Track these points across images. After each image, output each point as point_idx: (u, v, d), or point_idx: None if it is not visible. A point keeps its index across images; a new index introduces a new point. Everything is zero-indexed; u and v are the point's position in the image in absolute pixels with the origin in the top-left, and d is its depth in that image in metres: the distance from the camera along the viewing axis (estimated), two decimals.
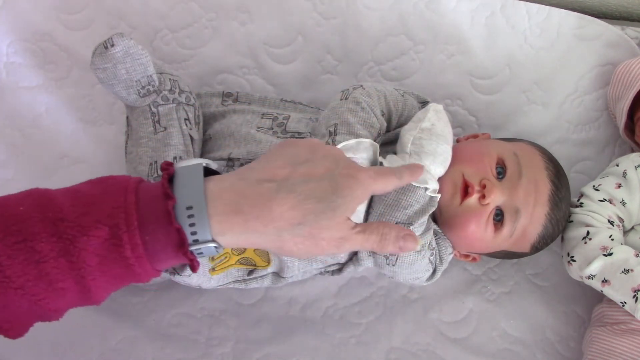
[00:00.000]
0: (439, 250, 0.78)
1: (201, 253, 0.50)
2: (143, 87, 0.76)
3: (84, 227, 0.47)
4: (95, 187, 0.50)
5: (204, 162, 0.52)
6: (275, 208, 0.49)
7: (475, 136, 0.85)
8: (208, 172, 0.53)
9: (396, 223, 0.71)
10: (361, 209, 0.72)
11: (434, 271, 0.79)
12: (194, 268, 0.51)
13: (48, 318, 0.51)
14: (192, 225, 0.48)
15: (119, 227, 0.47)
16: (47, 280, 0.47)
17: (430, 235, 0.75)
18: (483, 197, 0.73)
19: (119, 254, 0.47)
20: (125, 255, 0.47)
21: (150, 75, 0.76)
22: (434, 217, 0.78)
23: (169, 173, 0.50)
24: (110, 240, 0.47)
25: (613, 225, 0.78)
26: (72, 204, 0.48)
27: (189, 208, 0.49)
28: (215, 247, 0.50)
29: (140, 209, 0.48)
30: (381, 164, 0.73)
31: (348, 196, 0.51)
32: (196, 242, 0.49)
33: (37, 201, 0.48)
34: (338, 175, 0.52)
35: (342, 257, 0.79)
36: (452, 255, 0.81)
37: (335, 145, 0.71)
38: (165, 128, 0.76)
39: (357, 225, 0.53)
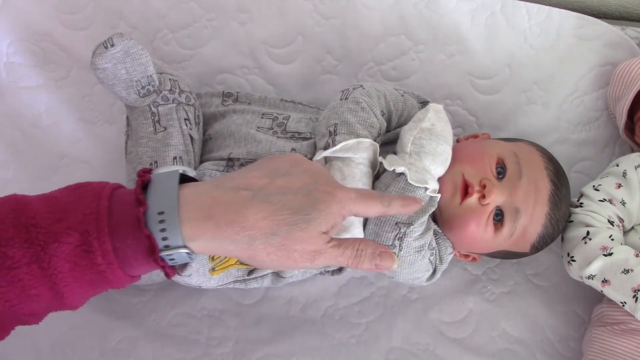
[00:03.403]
0: (439, 250, 0.78)
1: (173, 259, 0.50)
2: (143, 87, 0.76)
3: (55, 234, 0.47)
4: (72, 193, 0.50)
5: (180, 169, 0.52)
6: (249, 216, 0.49)
7: (475, 136, 0.85)
8: (186, 179, 0.53)
9: (396, 223, 0.71)
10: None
11: (434, 271, 0.79)
12: (167, 275, 0.51)
13: (26, 322, 0.51)
14: (163, 230, 0.48)
15: (89, 234, 0.47)
16: (20, 286, 0.47)
17: (430, 235, 0.75)
18: (483, 197, 0.73)
19: (90, 261, 0.47)
20: (96, 262, 0.47)
21: (150, 75, 0.76)
22: (434, 217, 0.78)
23: (143, 180, 0.50)
24: (81, 247, 0.47)
25: (613, 225, 0.78)
26: (47, 211, 0.48)
27: (161, 213, 0.48)
28: (187, 253, 0.49)
29: (112, 216, 0.48)
30: (381, 163, 0.73)
31: (323, 211, 0.51)
32: (167, 247, 0.49)
33: (12, 207, 0.48)
34: (315, 190, 0.52)
35: None
36: (452, 255, 0.81)
37: (335, 145, 0.72)
38: (165, 128, 0.76)
39: (332, 239, 0.53)
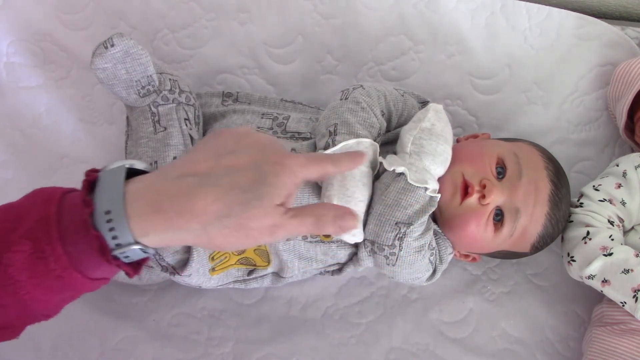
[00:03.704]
0: (439, 250, 0.78)
1: (128, 257, 0.49)
2: (143, 87, 0.76)
3: (8, 243, 0.47)
4: (27, 200, 0.50)
5: (127, 163, 0.51)
6: (198, 202, 0.48)
7: (475, 136, 0.85)
8: (137, 173, 0.52)
9: (396, 223, 0.71)
10: (361, 208, 0.72)
11: (434, 271, 0.79)
12: (128, 274, 0.51)
13: (5, 337, 0.51)
14: (112, 229, 0.47)
15: (40, 240, 0.47)
16: None
17: (430, 235, 0.75)
18: (483, 197, 0.73)
19: (45, 267, 0.47)
20: (50, 268, 0.47)
21: (150, 75, 0.76)
22: (434, 217, 0.78)
23: (89, 179, 0.50)
24: (34, 254, 0.47)
25: (613, 225, 0.78)
26: (2, 220, 0.48)
27: (108, 212, 0.48)
28: (141, 249, 0.49)
29: (62, 220, 0.48)
30: (381, 163, 0.73)
31: (274, 184, 0.49)
32: (119, 246, 0.48)
33: None
34: (264, 163, 0.50)
35: (342, 257, 0.79)
36: (452, 255, 0.81)
37: (335, 145, 0.71)
38: (165, 128, 0.76)
39: (289, 210, 0.51)
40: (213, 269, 0.77)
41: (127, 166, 0.50)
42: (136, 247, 0.48)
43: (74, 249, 0.47)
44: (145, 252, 0.49)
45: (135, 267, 0.52)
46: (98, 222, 0.47)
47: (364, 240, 0.74)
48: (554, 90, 0.93)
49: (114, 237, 0.48)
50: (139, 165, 0.52)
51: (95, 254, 0.48)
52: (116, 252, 0.48)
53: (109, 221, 0.47)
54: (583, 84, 0.92)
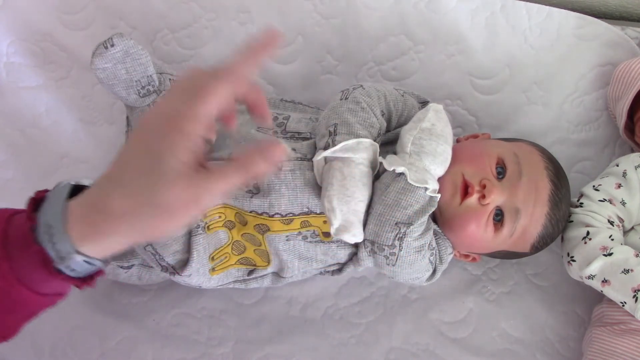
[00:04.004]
0: (439, 250, 0.78)
1: (74, 270, 0.50)
2: (143, 87, 0.76)
3: None
4: None
5: (73, 180, 0.52)
6: (115, 206, 0.48)
7: (475, 136, 0.85)
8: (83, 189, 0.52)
9: (396, 223, 0.71)
10: (361, 208, 0.72)
11: (434, 271, 0.79)
12: (78, 286, 0.51)
13: None
14: (53, 242, 0.48)
15: None
16: None
17: (430, 235, 0.75)
18: (483, 197, 0.73)
19: None
20: None
21: (150, 75, 0.76)
22: (434, 217, 0.78)
23: (36, 198, 0.51)
24: None
25: (613, 225, 0.78)
26: None
27: (49, 226, 0.48)
28: (86, 260, 0.49)
29: (8, 237, 0.49)
30: (381, 163, 0.73)
31: (170, 153, 0.47)
32: (62, 259, 0.48)
33: None
34: (154, 139, 0.48)
35: (342, 257, 0.79)
36: (452, 255, 0.81)
37: (335, 145, 0.71)
38: None
39: (201, 171, 0.49)
40: (213, 269, 0.77)
41: (72, 183, 0.51)
42: (79, 258, 0.49)
43: (19, 264, 0.48)
44: (90, 263, 0.50)
45: (87, 280, 0.52)
46: (41, 236, 0.48)
47: (364, 240, 0.74)
48: (554, 90, 0.93)
49: (56, 250, 0.48)
50: (85, 182, 0.53)
51: (40, 267, 0.49)
52: (60, 266, 0.49)
53: (50, 234, 0.48)
54: (583, 84, 0.92)
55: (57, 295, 0.52)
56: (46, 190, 0.52)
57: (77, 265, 0.49)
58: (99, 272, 0.53)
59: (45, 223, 0.49)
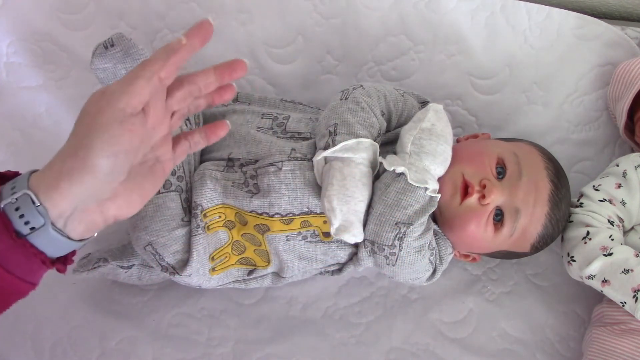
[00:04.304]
0: (439, 250, 0.78)
1: (39, 239, 0.51)
2: None
3: None
4: None
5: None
6: (56, 161, 0.52)
7: (475, 136, 0.85)
8: None
9: (396, 223, 0.71)
10: (361, 208, 0.72)
11: (434, 271, 0.79)
12: (44, 262, 0.52)
13: None
14: (17, 209, 0.50)
15: None
16: None
17: (430, 235, 0.75)
18: (483, 197, 0.73)
19: None
20: None
21: None
22: (434, 217, 0.78)
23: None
24: None
25: (613, 225, 0.78)
26: None
27: (13, 188, 0.51)
28: (55, 229, 0.51)
29: None
30: (381, 163, 0.73)
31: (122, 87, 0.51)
32: (22, 216, 0.50)
33: None
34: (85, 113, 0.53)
35: (342, 257, 0.79)
36: (452, 255, 0.81)
37: (335, 145, 0.71)
38: None
39: (138, 115, 0.52)
40: (213, 269, 0.77)
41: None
42: (40, 209, 0.50)
43: None
44: (56, 230, 0.51)
45: (57, 262, 0.54)
46: (4, 202, 0.51)
47: (364, 240, 0.74)
48: (554, 90, 0.93)
49: (17, 209, 0.50)
50: None
51: (2, 234, 0.49)
52: (26, 233, 0.50)
53: (12, 189, 0.51)
54: (583, 84, 0.92)
55: (26, 283, 0.52)
56: (8, 173, 0.55)
57: (45, 235, 0.51)
58: (70, 256, 0.55)
59: (8, 187, 0.51)
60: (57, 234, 0.51)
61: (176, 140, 0.60)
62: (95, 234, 0.56)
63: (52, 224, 0.51)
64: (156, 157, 0.58)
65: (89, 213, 0.52)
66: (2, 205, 0.50)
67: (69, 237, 0.52)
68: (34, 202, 0.50)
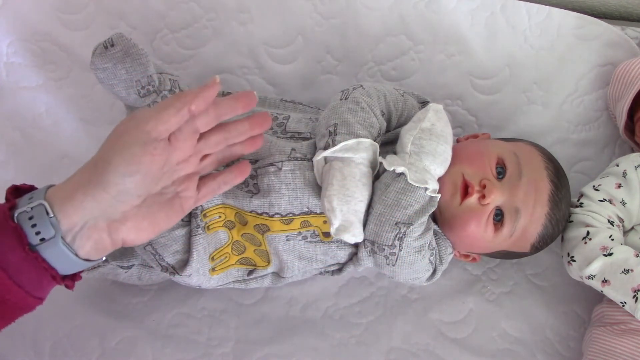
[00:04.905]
0: (439, 250, 0.78)
1: (50, 252, 0.51)
2: (143, 87, 0.76)
3: None
4: None
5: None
6: (75, 179, 0.55)
7: (475, 136, 0.85)
8: None
9: (396, 223, 0.71)
10: (361, 208, 0.72)
11: (434, 271, 0.79)
12: (54, 278, 0.53)
13: None
14: (31, 218, 0.51)
15: None
16: None
17: (430, 235, 0.75)
18: (483, 197, 0.73)
19: None
20: None
21: (150, 76, 0.76)
22: (434, 217, 0.78)
23: (16, 187, 0.56)
24: None
25: (613, 225, 0.78)
26: None
27: (30, 199, 0.52)
28: (64, 243, 0.51)
29: None
30: (381, 163, 0.73)
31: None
32: (38, 233, 0.51)
33: None
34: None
35: (342, 257, 0.79)
36: (452, 255, 0.81)
37: (335, 145, 0.71)
38: None
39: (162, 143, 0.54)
40: (213, 269, 0.77)
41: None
42: (53, 221, 0.51)
43: None
44: (68, 247, 0.51)
45: (66, 279, 0.54)
46: (20, 214, 0.51)
47: (364, 240, 0.74)
48: (554, 90, 0.93)
49: (31, 218, 0.51)
50: None
51: (16, 247, 0.50)
52: (38, 246, 0.51)
53: (30, 199, 0.52)
54: (583, 84, 0.92)
55: (34, 298, 0.53)
56: (24, 186, 0.56)
57: (55, 249, 0.51)
58: (79, 272, 0.56)
59: (26, 198, 0.52)
60: (65, 249, 0.52)
61: (203, 181, 0.62)
62: (104, 258, 0.56)
63: (62, 237, 0.51)
64: (177, 192, 0.59)
65: (98, 231, 0.53)
66: (16, 214, 0.51)
67: (76, 254, 0.53)
68: (47, 213, 0.51)
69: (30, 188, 0.56)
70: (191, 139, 0.57)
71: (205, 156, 0.61)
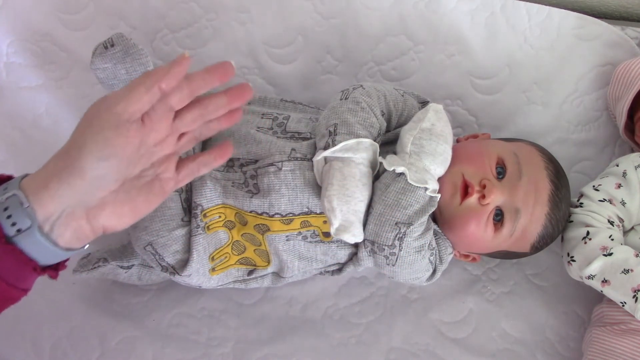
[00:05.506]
0: (439, 250, 0.78)
1: (28, 242, 0.51)
2: None
3: None
4: None
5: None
6: (50, 165, 0.53)
7: (475, 136, 0.85)
8: None
9: (396, 223, 0.71)
10: (361, 208, 0.72)
11: (434, 271, 0.79)
12: (35, 269, 0.52)
13: None
14: (5, 194, 0.50)
15: None
16: None
17: (430, 235, 0.75)
18: (483, 197, 0.73)
19: None
20: None
21: None
22: (434, 217, 0.78)
23: None
24: None
25: (613, 226, 0.78)
26: None
27: (5, 189, 0.51)
28: (41, 233, 0.51)
29: None
30: (381, 163, 0.73)
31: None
32: (10, 217, 0.50)
33: None
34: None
35: (342, 257, 0.79)
36: (452, 255, 0.81)
37: (335, 145, 0.71)
38: None
39: (136, 123, 0.53)
40: (213, 269, 0.77)
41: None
42: (28, 210, 0.50)
43: None
44: (43, 235, 0.51)
45: (47, 269, 0.54)
46: None
47: (364, 240, 0.74)
48: (554, 90, 0.93)
49: (6, 209, 0.50)
50: None
51: None
52: (9, 231, 0.50)
53: (3, 195, 0.51)
54: (583, 84, 0.92)
55: (18, 289, 0.52)
56: (2, 176, 0.55)
57: (32, 238, 0.50)
58: (62, 264, 0.55)
59: (1, 189, 0.51)
60: (43, 239, 0.51)
61: (183, 162, 0.60)
62: (87, 246, 0.55)
63: (39, 227, 0.50)
64: (156, 175, 0.57)
65: (76, 219, 0.52)
66: None
67: (55, 244, 0.52)
68: (22, 204, 0.50)
69: (8, 178, 0.55)
70: (166, 117, 0.55)
71: (182, 135, 0.58)
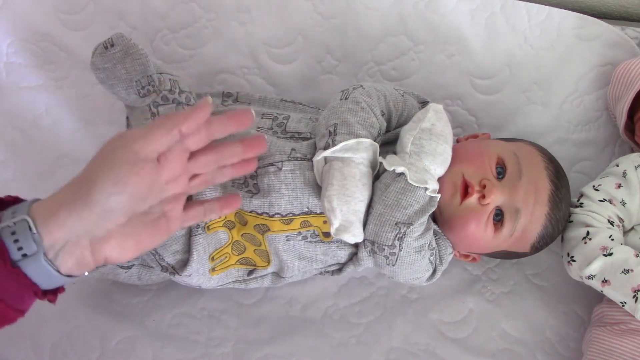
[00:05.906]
0: (439, 250, 0.78)
1: (36, 274, 0.51)
2: (143, 87, 0.76)
3: None
4: None
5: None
6: (59, 196, 0.53)
7: (475, 136, 0.85)
8: None
9: (396, 223, 0.71)
10: (361, 208, 0.72)
11: (434, 271, 0.79)
12: (37, 294, 0.52)
13: None
14: (13, 231, 0.50)
15: None
16: None
17: (430, 235, 0.75)
18: (483, 197, 0.73)
19: None
20: None
21: (150, 75, 0.76)
22: (434, 217, 0.78)
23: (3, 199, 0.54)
24: None
25: (613, 226, 0.78)
26: None
27: (13, 213, 0.51)
28: (46, 260, 0.51)
29: None
30: (381, 163, 0.73)
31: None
32: (17, 241, 0.50)
33: None
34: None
35: (342, 257, 0.79)
36: (452, 255, 0.81)
37: (335, 145, 0.71)
38: None
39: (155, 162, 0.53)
40: (213, 269, 0.77)
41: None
42: (35, 237, 0.50)
43: None
44: (49, 263, 0.51)
45: (48, 293, 0.54)
46: (2, 228, 0.50)
47: (364, 240, 0.74)
48: (554, 90, 0.93)
49: (13, 233, 0.50)
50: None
51: None
52: (20, 262, 0.50)
53: (12, 218, 0.51)
54: (583, 84, 0.92)
55: (16, 310, 0.52)
56: (8, 199, 0.55)
57: (37, 265, 0.51)
58: (61, 287, 0.55)
59: (9, 211, 0.51)
60: (47, 265, 0.51)
61: (191, 204, 0.61)
62: (86, 273, 0.55)
63: (44, 254, 0.51)
64: (164, 212, 0.57)
65: (80, 248, 0.52)
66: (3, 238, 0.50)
67: (57, 271, 0.52)
68: (30, 229, 0.50)
69: (15, 200, 0.55)
70: (181, 158, 0.56)
71: (194, 176, 0.59)
